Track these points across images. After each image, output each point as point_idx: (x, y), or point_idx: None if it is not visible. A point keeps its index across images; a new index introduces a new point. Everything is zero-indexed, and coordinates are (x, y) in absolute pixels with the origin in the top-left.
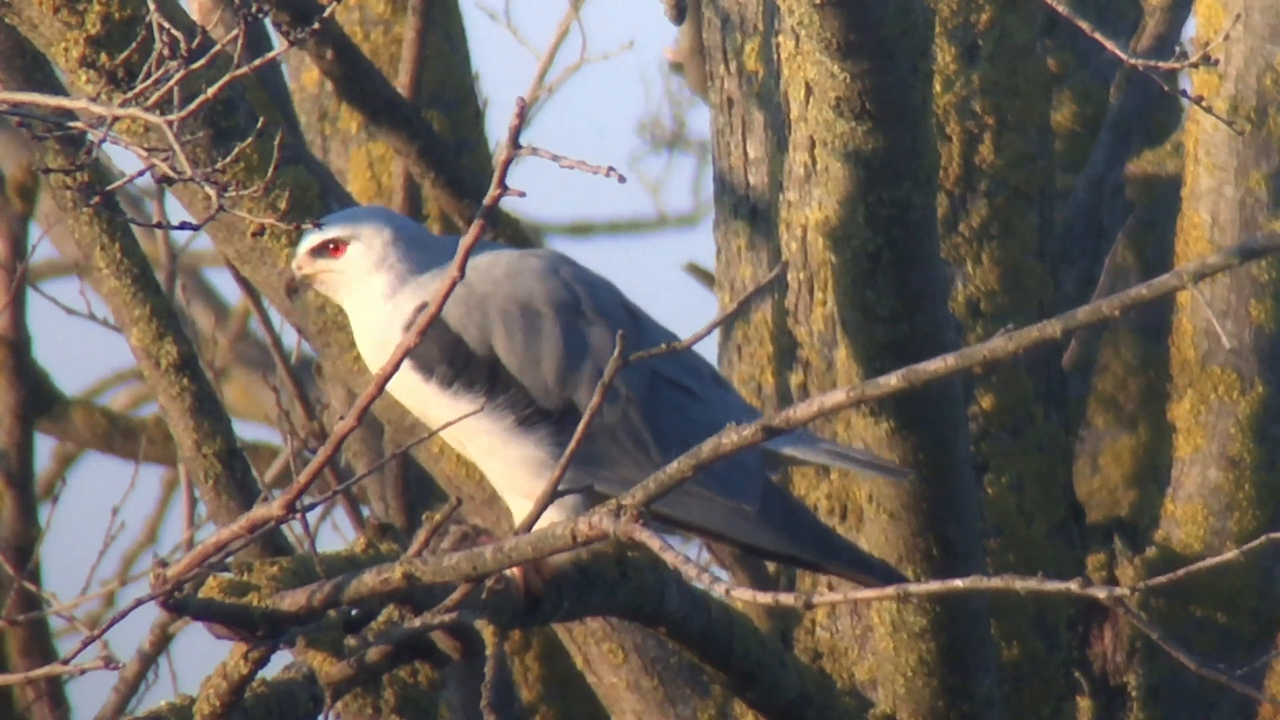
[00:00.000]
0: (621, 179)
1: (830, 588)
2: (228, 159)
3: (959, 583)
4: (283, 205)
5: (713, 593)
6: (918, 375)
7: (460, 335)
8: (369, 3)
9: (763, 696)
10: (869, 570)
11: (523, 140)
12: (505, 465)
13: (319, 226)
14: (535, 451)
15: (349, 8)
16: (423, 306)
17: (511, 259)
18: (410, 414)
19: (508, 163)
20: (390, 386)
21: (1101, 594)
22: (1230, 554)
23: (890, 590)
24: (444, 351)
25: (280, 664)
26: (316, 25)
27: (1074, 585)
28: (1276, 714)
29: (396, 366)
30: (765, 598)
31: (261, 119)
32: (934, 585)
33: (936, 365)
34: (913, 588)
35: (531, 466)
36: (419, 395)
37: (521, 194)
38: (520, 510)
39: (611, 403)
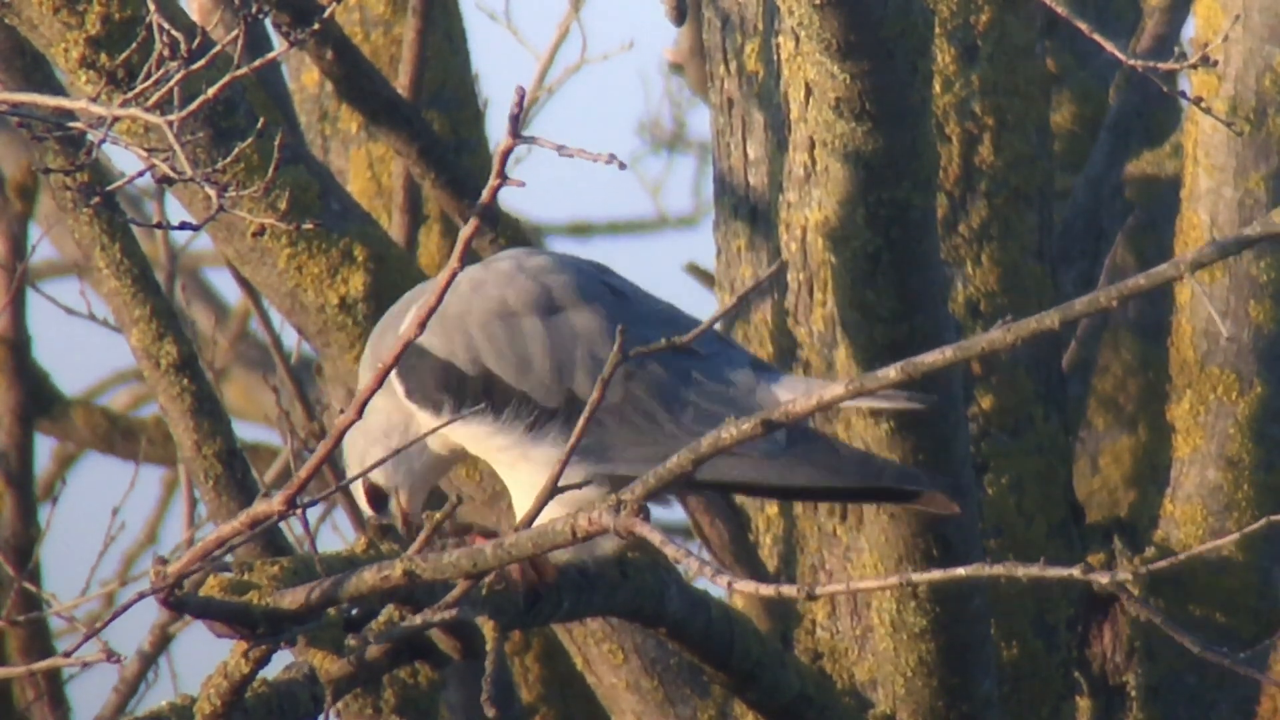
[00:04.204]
0: (622, 165)
1: (830, 577)
2: (228, 159)
3: (961, 570)
4: (283, 205)
5: (715, 585)
6: (916, 367)
7: (450, 361)
8: (369, 3)
9: (763, 697)
10: (917, 482)
11: (522, 134)
12: (531, 473)
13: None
14: (553, 451)
15: (349, 8)
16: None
17: (473, 273)
18: None
19: (508, 152)
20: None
21: (1103, 579)
22: (1230, 537)
23: (893, 580)
24: (439, 382)
25: (281, 664)
26: (316, 26)
27: (1076, 571)
28: (1276, 713)
29: (397, 359)
30: (768, 589)
31: (261, 119)
32: (936, 574)
33: (935, 357)
34: (915, 576)
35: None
36: (439, 433)
37: (521, 184)
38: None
39: (612, 385)
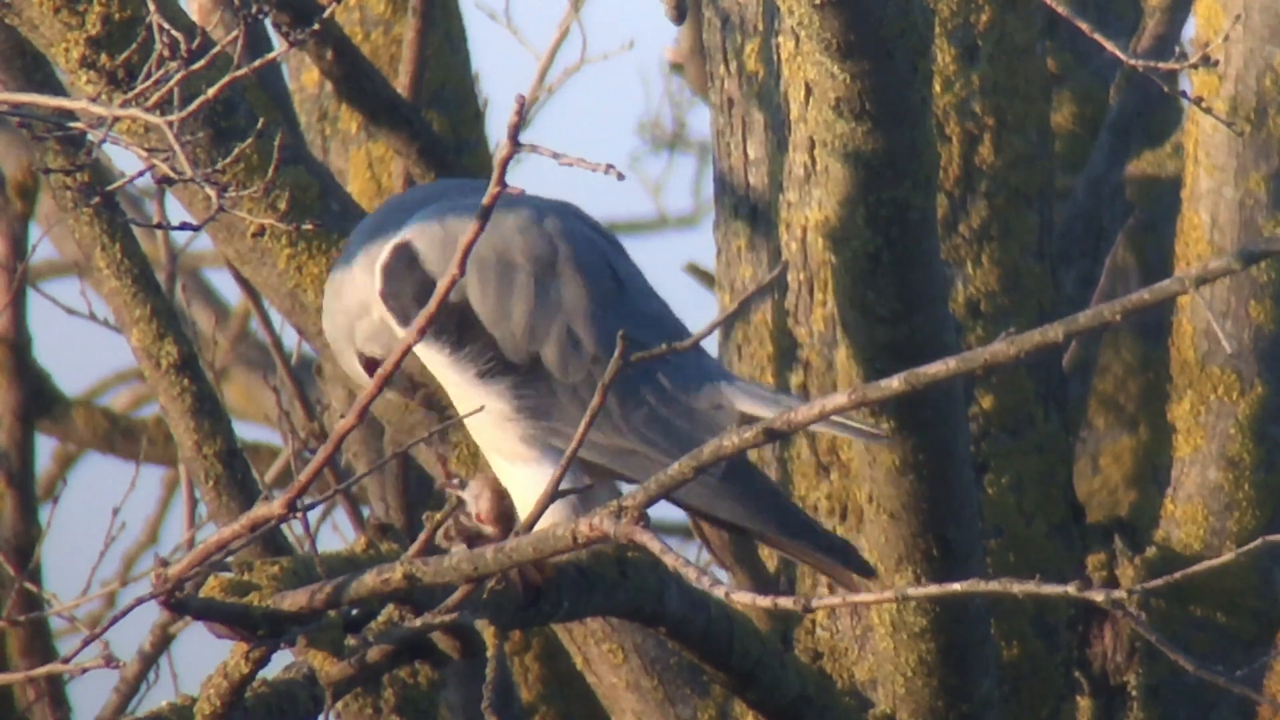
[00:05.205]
0: (620, 176)
1: (830, 590)
2: (228, 159)
3: (956, 586)
4: (283, 205)
5: (712, 595)
6: (919, 378)
7: (436, 280)
8: (369, 3)
9: (763, 697)
10: (829, 552)
11: (522, 139)
12: (480, 413)
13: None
14: (496, 403)
15: (349, 8)
16: (403, 244)
17: (500, 208)
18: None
19: (507, 160)
20: (377, 329)
21: (1099, 597)
22: (1228, 556)
23: (889, 594)
24: (419, 296)
25: (281, 664)
26: (316, 26)
27: (1072, 589)
28: (1276, 715)
29: (397, 365)
30: (765, 601)
31: (261, 119)
32: (931, 589)
33: (938, 368)
34: (911, 591)
35: (493, 417)
36: (398, 341)
37: (520, 191)
38: (495, 466)
39: (577, 360)
